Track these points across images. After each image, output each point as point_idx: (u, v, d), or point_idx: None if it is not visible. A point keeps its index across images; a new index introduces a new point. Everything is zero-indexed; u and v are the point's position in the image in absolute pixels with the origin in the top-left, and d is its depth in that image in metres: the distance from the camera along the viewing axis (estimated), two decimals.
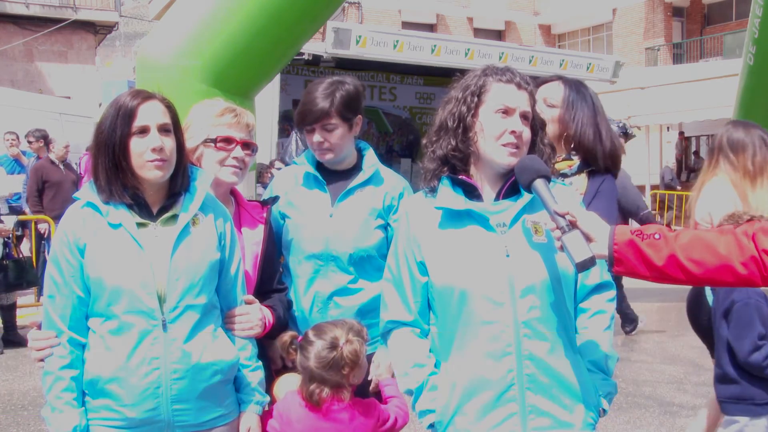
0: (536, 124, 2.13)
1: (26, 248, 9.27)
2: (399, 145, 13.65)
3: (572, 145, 2.75)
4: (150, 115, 2.11)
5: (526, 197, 2.07)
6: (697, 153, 25.32)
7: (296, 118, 2.82)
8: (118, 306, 2.08)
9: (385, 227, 2.82)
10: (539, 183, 1.98)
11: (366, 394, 2.58)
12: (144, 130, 2.10)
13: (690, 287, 3.94)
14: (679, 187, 16.81)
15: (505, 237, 2.04)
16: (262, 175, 10.45)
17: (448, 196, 2.09)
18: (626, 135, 7.71)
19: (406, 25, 25.69)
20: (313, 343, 2.34)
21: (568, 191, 2.23)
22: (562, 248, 1.90)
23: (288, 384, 2.47)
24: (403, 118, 13.59)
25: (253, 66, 4.99)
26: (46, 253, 8.80)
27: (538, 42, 29.77)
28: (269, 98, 9.78)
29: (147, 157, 2.10)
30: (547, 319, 2.02)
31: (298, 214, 2.79)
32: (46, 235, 9.09)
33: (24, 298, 8.25)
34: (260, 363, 2.36)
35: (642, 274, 1.86)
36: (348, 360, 2.30)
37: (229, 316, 2.30)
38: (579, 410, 2.05)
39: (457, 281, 2.03)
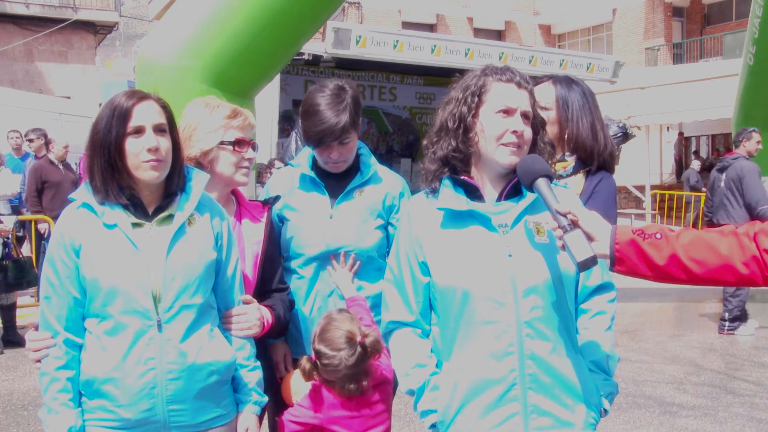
0: (537, 123, 2.13)
1: (25, 249, 9.27)
2: (399, 145, 13.66)
3: (572, 145, 2.73)
4: (145, 115, 2.10)
5: (528, 198, 2.06)
6: (697, 153, 25.32)
7: (309, 137, 2.69)
8: (113, 306, 2.08)
9: (385, 227, 2.81)
10: (541, 182, 1.98)
11: None
12: (139, 131, 2.09)
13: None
14: (704, 189, 16.70)
15: (507, 237, 2.04)
16: (262, 175, 10.45)
17: (450, 196, 2.08)
18: (626, 135, 7.70)
19: (406, 25, 25.70)
20: (334, 356, 2.34)
21: (569, 192, 2.23)
22: (563, 247, 1.90)
23: (303, 385, 2.48)
24: (403, 118, 13.59)
25: (253, 66, 5.00)
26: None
27: (538, 42, 29.78)
28: (269, 98, 9.78)
29: (143, 157, 2.09)
30: (549, 319, 2.02)
31: (297, 216, 2.78)
32: (46, 235, 9.09)
33: (24, 298, 8.25)
34: (259, 363, 2.35)
35: (643, 273, 1.86)
36: (374, 351, 2.38)
37: (227, 316, 2.30)
38: (580, 410, 2.05)
39: (460, 281, 2.02)
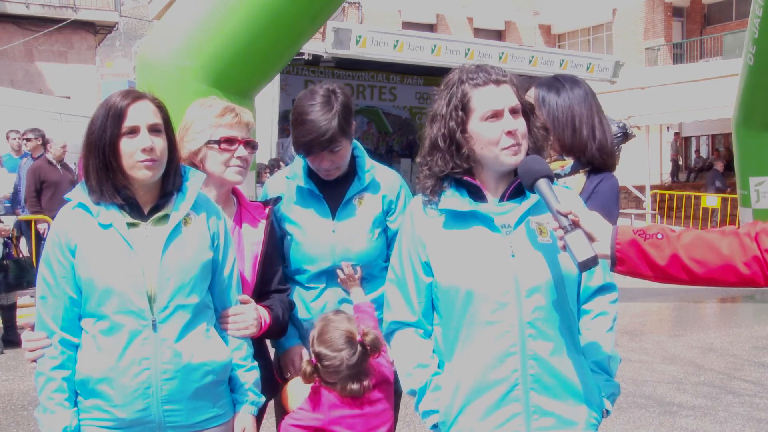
0: (526, 111, 2.10)
1: (24, 249, 9.26)
2: (399, 145, 13.66)
3: (557, 146, 2.67)
4: (140, 115, 2.10)
5: (530, 199, 2.06)
6: (698, 152, 25.34)
7: (298, 146, 2.64)
8: (108, 306, 2.08)
9: (385, 230, 2.79)
10: (542, 183, 1.97)
11: None
12: (134, 131, 2.09)
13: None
14: (729, 189, 16.56)
15: (510, 237, 2.04)
16: (262, 175, 10.46)
17: (453, 197, 2.08)
18: (626, 135, 7.69)
19: (406, 25, 25.70)
20: (335, 357, 2.34)
21: (571, 193, 2.22)
22: (564, 248, 1.89)
23: (302, 390, 2.47)
24: (403, 118, 13.60)
25: (253, 66, 5.00)
26: None
27: (538, 42, 29.78)
28: (269, 98, 9.79)
29: (137, 157, 2.08)
30: (552, 319, 2.02)
31: (299, 231, 2.73)
32: (44, 235, 9.09)
33: (24, 298, 8.25)
34: (256, 363, 2.35)
35: (644, 273, 1.86)
36: (374, 349, 2.40)
37: (224, 316, 2.29)
38: (582, 410, 2.04)
39: (463, 281, 2.02)
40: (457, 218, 2.07)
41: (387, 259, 2.67)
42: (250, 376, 2.30)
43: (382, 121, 13.38)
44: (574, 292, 2.12)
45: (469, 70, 2.08)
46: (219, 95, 3.20)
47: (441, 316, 2.12)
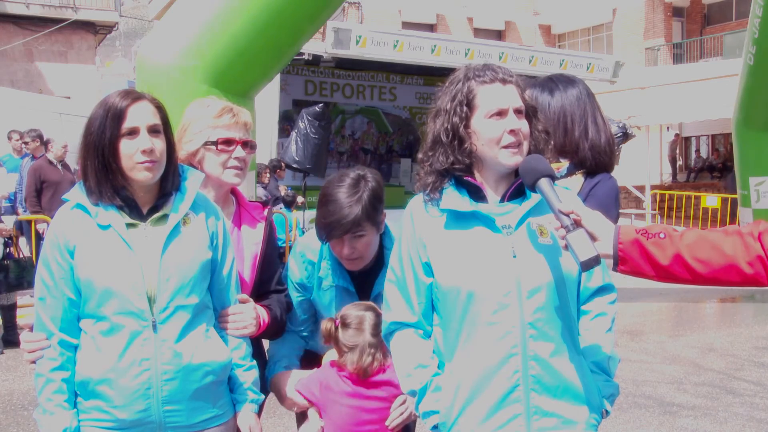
0: (529, 113, 2.11)
1: (24, 249, 9.26)
2: (399, 145, 13.66)
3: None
4: (140, 116, 2.09)
5: (531, 200, 2.05)
6: (698, 152, 25.34)
7: (319, 228, 2.52)
8: (108, 307, 2.07)
9: None
10: (544, 182, 1.97)
11: None
12: (133, 132, 2.08)
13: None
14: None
15: (511, 238, 2.03)
16: (262, 175, 10.46)
17: (454, 197, 2.07)
18: (626, 135, 7.68)
19: (406, 25, 25.70)
20: (362, 317, 2.43)
21: (571, 194, 2.22)
22: (566, 247, 1.89)
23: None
24: (403, 118, 13.60)
25: (253, 66, 4.99)
26: None
27: (538, 42, 29.78)
28: (269, 98, 9.79)
29: (137, 158, 2.08)
30: (553, 320, 2.02)
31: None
32: (44, 236, 9.09)
33: (24, 298, 8.25)
34: (255, 362, 2.35)
35: (647, 273, 1.86)
36: None
37: (223, 315, 2.29)
38: (583, 411, 2.04)
39: (464, 282, 2.02)
40: (458, 219, 2.07)
41: None
42: (249, 376, 2.30)
43: (382, 121, 13.38)
44: (575, 292, 2.12)
45: (476, 68, 2.09)
46: (219, 95, 3.19)
47: (441, 317, 2.12)
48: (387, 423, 2.43)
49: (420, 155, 2.16)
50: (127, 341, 2.07)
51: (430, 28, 26.93)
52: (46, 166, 9.65)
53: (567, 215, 1.89)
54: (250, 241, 2.54)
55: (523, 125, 2.05)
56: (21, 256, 7.45)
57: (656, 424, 5.12)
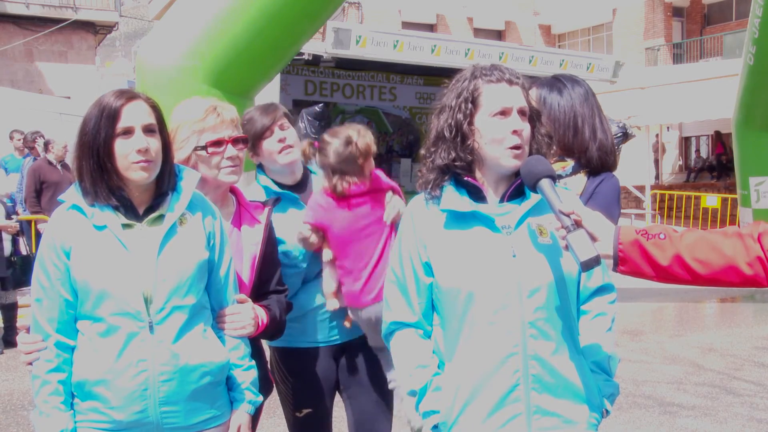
0: (533, 116, 2.12)
1: (24, 249, 9.27)
2: (399, 145, 13.64)
3: (554, 147, 2.66)
4: (134, 115, 2.08)
5: (531, 200, 2.06)
6: (698, 152, 25.31)
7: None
8: (104, 308, 2.07)
9: None
10: (545, 183, 1.98)
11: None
12: (128, 131, 2.07)
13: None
14: None
15: (510, 238, 2.04)
16: None
17: (453, 197, 2.08)
18: (626, 135, 7.69)
19: (406, 25, 25.68)
20: (330, 142, 2.72)
21: (571, 194, 2.22)
22: (567, 247, 1.89)
23: None
24: (403, 118, 13.59)
25: (253, 66, 5.00)
26: None
27: (538, 42, 29.77)
28: (269, 98, 9.77)
29: (132, 158, 2.07)
30: (553, 319, 2.02)
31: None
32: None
33: (25, 298, 8.25)
34: (253, 362, 2.34)
35: (646, 274, 1.86)
36: (362, 151, 2.71)
37: (220, 316, 2.28)
38: (583, 411, 2.04)
39: (465, 282, 2.02)
40: (457, 219, 2.07)
41: None
42: (247, 376, 2.29)
43: (382, 121, 13.36)
44: (574, 292, 2.13)
45: (483, 68, 2.10)
46: (219, 95, 3.20)
47: (441, 317, 2.12)
48: (384, 218, 2.76)
49: (422, 151, 2.17)
50: (123, 342, 2.06)
51: (430, 28, 26.91)
52: (45, 166, 9.64)
53: (568, 215, 1.90)
54: (250, 241, 2.53)
55: (525, 127, 2.05)
56: (28, 252, 7.46)
57: (656, 424, 5.12)
